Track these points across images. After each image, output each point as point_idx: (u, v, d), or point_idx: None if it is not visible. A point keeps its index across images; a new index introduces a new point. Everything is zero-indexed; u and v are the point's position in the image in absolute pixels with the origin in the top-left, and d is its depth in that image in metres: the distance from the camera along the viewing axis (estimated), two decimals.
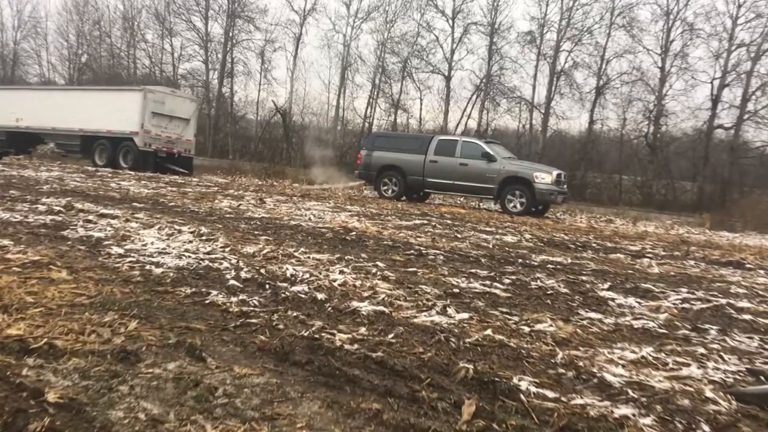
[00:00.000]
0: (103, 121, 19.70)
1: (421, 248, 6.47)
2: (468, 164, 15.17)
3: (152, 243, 5.30)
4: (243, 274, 4.31)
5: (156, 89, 21.09)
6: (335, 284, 4.24)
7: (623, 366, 2.98)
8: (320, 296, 3.85)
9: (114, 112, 19.64)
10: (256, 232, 6.74)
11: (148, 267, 4.33)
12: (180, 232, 6.04)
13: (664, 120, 31.77)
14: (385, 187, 16.48)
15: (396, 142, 17.65)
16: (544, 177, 14.41)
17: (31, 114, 21.17)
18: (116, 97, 21.11)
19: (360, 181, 18.97)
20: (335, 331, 3.15)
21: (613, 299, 4.61)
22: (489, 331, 3.37)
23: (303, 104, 39.12)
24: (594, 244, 8.85)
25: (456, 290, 4.42)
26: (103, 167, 18.99)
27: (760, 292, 5.58)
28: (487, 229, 9.73)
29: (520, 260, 6.31)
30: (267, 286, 4.04)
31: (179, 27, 40.24)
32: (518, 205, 14.48)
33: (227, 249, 5.32)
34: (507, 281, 4.98)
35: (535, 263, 6.23)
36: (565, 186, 15.69)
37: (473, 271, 5.35)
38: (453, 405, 2.35)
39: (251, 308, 3.48)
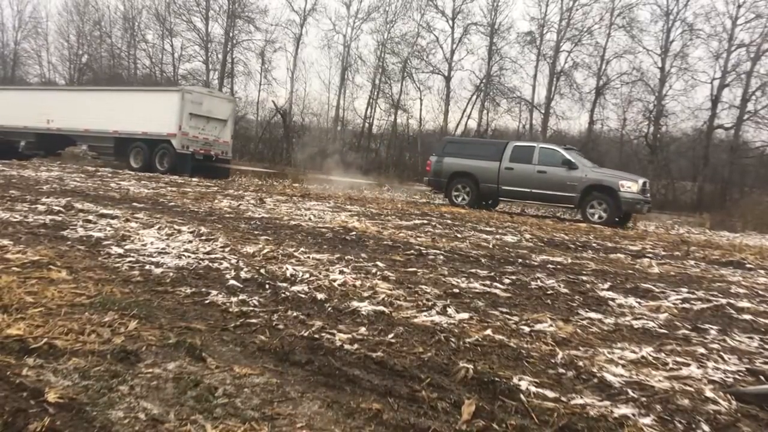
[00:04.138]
0: (139, 123, 19.23)
1: (421, 248, 6.47)
2: (547, 172, 14.54)
3: (152, 243, 5.30)
4: (243, 274, 4.31)
5: (194, 89, 20.58)
6: (335, 284, 4.24)
7: (623, 366, 2.98)
8: (320, 296, 3.85)
9: (150, 113, 19.17)
10: (256, 232, 6.74)
11: (147, 267, 4.33)
12: (180, 232, 6.04)
13: (664, 120, 31.82)
14: (457, 195, 15.95)
15: (468, 148, 16.93)
16: (630, 186, 13.80)
17: (62, 115, 20.61)
18: (153, 98, 20.59)
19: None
20: (335, 331, 3.15)
21: (613, 299, 4.61)
22: (489, 331, 3.37)
23: (303, 104, 39.18)
24: (594, 244, 8.85)
25: (456, 290, 4.42)
26: (139, 170, 18.59)
27: (760, 292, 5.58)
28: (487, 229, 9.73)
29: (520, 260, 6.31)
30: (267, 286, 4.04)
31: (179, 27, 40.28)
32: (601, 215, 13.83)
33: (227, 249, 5.32)
34: (507, 281, 4.98)
35: (535, 263, 6.23)
36: (649, 195, 15.01)
37: (473, 271, 5.35)
38: (453, 405, 2.35)
39: (251, 308, 3.48)
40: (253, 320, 3.24)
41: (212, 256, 4.94)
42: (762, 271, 7.36)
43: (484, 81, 35.16)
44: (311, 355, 2.77)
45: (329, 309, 3.60)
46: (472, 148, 16.78)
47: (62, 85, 38.46)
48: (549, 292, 4.68)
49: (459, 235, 8.25)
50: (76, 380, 2.24)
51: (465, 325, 3.50)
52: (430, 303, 3.93)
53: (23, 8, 47.71)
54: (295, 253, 5.38)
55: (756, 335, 3.86)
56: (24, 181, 11.13)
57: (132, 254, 4.75)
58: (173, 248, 5.12)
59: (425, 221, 9.98)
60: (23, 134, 21.69)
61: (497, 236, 8.57)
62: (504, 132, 35.31)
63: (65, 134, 20.90)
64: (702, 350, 3.37)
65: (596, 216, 13.88)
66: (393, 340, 3.09)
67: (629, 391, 2.64)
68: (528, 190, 14.88)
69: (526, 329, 3.52)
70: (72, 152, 20.47)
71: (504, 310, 3.97)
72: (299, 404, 2.24)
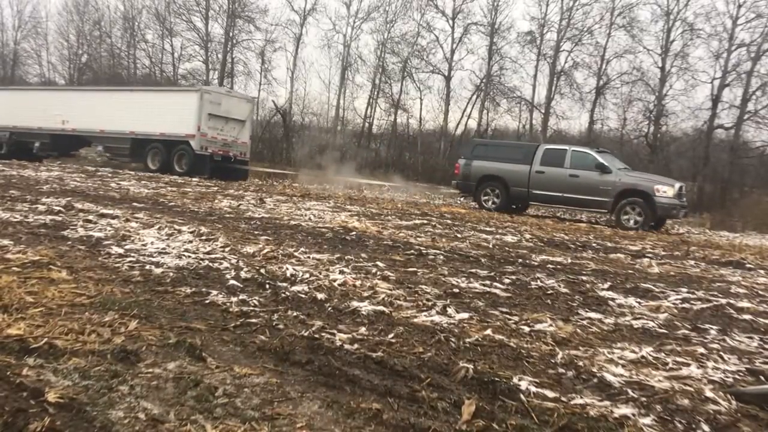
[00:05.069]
0: (157, 124, 18.70)
1: (421, 248, 6.47)
2: (579, 176, 14.06)
3: (152, 243, 5.30)
4: (243, 274, 4.31)
5: (212, 89, 20.14)
6: (335, 284, 4.24)
7: (623, 366, 2.98)
8: (320, 296, 3.85)
9: (168, 113, 18.59)
10: (256, 232, 6.74)
11: (148, 267, 4.33)
12: (180, 232, 6.04)
13: (664, 120, 31.76)
14: (486, 199, 15.47)
15: (497, 150, 16.40)
16: (666, 190, 13.33)
17: (77, 116, 20.06)
18: (171, 98, 20.04)
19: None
20: (335, 331, 3.15)
21: (613, 299, 4.61)
22: (489, 331, 3.37)
23: (303, 104, 39.12)
24: (594, 244, 8.85)
25: (456, 290, 4.43)
26: (156, 172, 18.22)
27: (760, 292, 5.58)
28: (487, 229, 9.73)
29: (520, 260, 6.31)
30: (267, 286, 4.04)
31: (179, 27, 40.22)
32: (636, 220, 13.35)
33: (227, 249, 5.32)
34: (507, 281, 4.98)
35: (535, 263, 6.23)
36: (685, 199, 14.55)
37: (473, 271, 5.35)
38: (453, 405, 2.35)
39: (251, 308, 3.48)
40: (253, 320, 3.24)
41: (212, 256, 4.94)
42: (762, 271, 7.36)
43: (484, 81, 35.14)
44: (311, 355, 2.77)
45: (329, 309, 3.61)
46: (502, 151, 16.29)
47: (79, 85, 37.82)
48: (549, 292, 4.68)
49: (459, 235, 8.25)
50: (76, 380, 2.24)
51: (465, 325, 3.50)
52: (430, 303, 3.93)
53: (23, 8, 47.60)
54: (295, 253, 5.38)
55: (756, 335, 3.86)
56: (24, 181, 11.14)
57: (132, 254, 4.75)
58: (173, 248, 5.12)
59: (425, 221, 9.98)
60: (38, 135, 21.28)
61: (497, 236, 8.57)
62: (504, 132, 35.29)
63: (80, 135, 20.51)
64: (702, 350, 3.37)
65: (631, 221, 13.38)
66: (393, 340, 3.09)
67: (629, 391, 2.64)
68: (559, 194, 14.39)
69: (526, 329, 3.52)
70: (85, 154, 20.07)
71: (504, 310, 3.97)
72: (299, 404, 2.24)
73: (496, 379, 2.63)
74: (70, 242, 5.13)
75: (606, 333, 3.63)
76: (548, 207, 16.85)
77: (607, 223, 15.37)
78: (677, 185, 13.79)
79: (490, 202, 15.47)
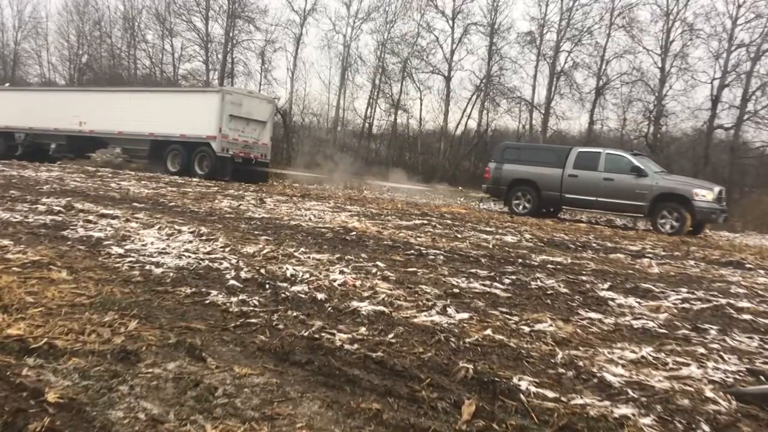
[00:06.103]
0: (177, 125, 18.48)
1: (421, 248, 6.47)
2: (614, 179, 13.81)
3: (152, 243, 5.30)
4: (243, 274, 4.31)
5: (234, 90, 19.93)
6: (335, 284, 4.24)
7: (623, 366, 2.98)
8: (320, 296, 3.85)
9: (189, 115, 18.41)
10: (256, 232, 6.74)
11: (148, 267, 4.33)
12: (180, 232, 6.05)
13: (664, 120, 31.77)
14: (517, 203, 15.23)
15: (529, 154, 16.22)
16: (705, 194, 13.02)
17: (95, 117, 19.94)
18: (191, 99, 19.92)
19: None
20: (335, 331, 3.15)
21: (613, 299, 4.61)
22: (489, 331, 3.37)
23: (303, 104, 39.10)
24: (594, 244, 8.85)
25: (456, 290, 4.42)
26: (176, 174, 18.01)
27: (760, 292, 5.58)
28: (487, 229, 9.73)
29: (520, 260, 6.31)
30: (267, 286, 4.04)
31: (180, 27, 40.17)
32: (673, 224, 13.05)
33: (227, 249, 5.32)
34: (507, 281, 4.98)
35: (535, 263, 6.22)
36: (725, 203, 14.23)
37: (473, 271, 5.35)
38: (453, 405, 2.35)
39: (251, 308, 3.48)
40: (253, 320, 3.24)
41: (212, 256, 4.94)
42: (762, 271, 7.36)
43: (484, 81, 35.14)
44: (311, 355, 2.77)
45: (329, 309, 3.61)
46: (533, 154, 16.05)
47: (97, 86, 37.45)
48: (549, 292, 4.68)
49: (459, 235, 8.25)
50: (76, 380, 2.24)
51: (465, 325, 3.50)
52: (430, 303, 3.93)
53: (23, 8, 47.72)
54: (295, 253, 5.38)
55: (756, 335, 3.86)
56: (24, 182, 11.14)
57: (132, 254, 4.75)
58: (173, 248, 5.12)
59: (425, 221, 9.98)
60: (54, 136, 21.04)
61: (497, 236, 8.57)
62: (504, 132, 35.29)
63: (98, 137, 20.23)
64: (702, 350, 3.37)
65: (667, 226, 13.11)
66: (393, 340, 3.09)
67: (629, 391, 2.64)
68: (593, 198, 14.13)
69: (526, 329, 3.52)
70: (101, 156, 19.62)
71: (504, 310, 3.97)
72: (299, 404, 2.24)
73: (496, 379, 2.63)
74: (70, 242, 5.13)
75: (606, 333, 3.63)
76: (582, 211, 16.54)
77: (606, 223, 15.38)
78: (716, 189, 13.49)
79: (521, 207, 15.17)
